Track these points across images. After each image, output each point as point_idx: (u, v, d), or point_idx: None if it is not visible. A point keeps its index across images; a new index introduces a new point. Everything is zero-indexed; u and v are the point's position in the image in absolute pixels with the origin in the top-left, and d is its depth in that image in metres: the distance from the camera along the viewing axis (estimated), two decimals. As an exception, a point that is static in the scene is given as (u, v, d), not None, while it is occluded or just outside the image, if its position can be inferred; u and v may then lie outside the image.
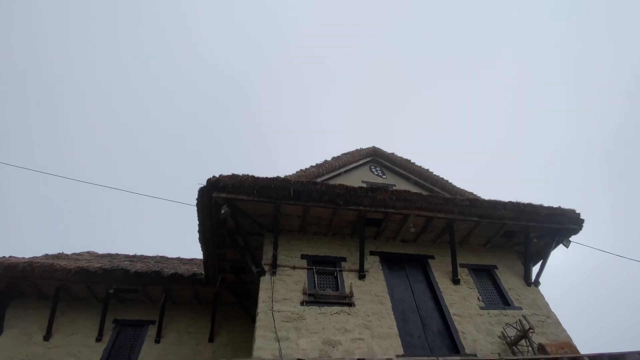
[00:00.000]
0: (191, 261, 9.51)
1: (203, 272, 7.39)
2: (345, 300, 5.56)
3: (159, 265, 7.92)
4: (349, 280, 5.99)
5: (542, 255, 7.52)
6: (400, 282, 6.48)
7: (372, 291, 5.92)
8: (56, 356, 6.72)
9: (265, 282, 5.51)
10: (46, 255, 8.44)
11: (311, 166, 7.96)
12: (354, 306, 5.55)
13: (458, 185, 8.84)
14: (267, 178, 5.75)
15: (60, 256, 8.65)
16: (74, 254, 9.44)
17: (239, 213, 5.81)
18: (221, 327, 7.73)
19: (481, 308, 6.28)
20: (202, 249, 6.49)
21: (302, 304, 5.31)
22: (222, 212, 5.50)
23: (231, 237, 6.15)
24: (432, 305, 6.19)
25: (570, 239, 7.28)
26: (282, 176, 6.24)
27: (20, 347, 6.73)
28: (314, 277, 5.84)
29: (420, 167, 9.20)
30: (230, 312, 7.99)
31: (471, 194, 8.59)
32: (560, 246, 7.37)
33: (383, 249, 6.88)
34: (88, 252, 9.95)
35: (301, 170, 7.69)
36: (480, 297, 6.50)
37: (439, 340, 5.60)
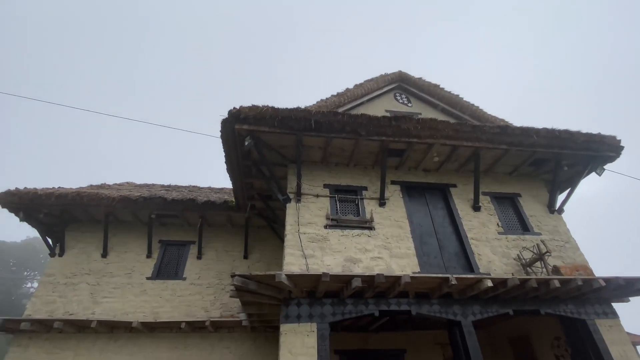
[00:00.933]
0: (221, 190, 10.14)
1: (233, 200, 7.93)
2: (366, 225, 5.89)
3: (192, 194, 8.54)
4: (370, 207, 6.24)
5: (571, 183, 7.33)
6: (420, 208, 6.67)
7: (391, 217, 6.19)
8: (114, 270, 7.87)
9: (291, 208, 5.87)
10: (91, 186, 9.28)
11: (332, 95, 7.65)
12: (374, 230, 5.90)
13: (489, 112, 8.31)
14: (287, 109, 5.65)
15: (103, 186, 9.48)
16: (115, 184, 10.29)
17: (262, 145, 5.90)
18: (254, 246, 8.60)
19: (499, 233, 6.48)
20: (230, 179, 6.84)
21: (325, 227, 5.70)
22: (246, 144, 5.61)
23: (257, 167, 6.38)
24: (450, 230, 6.44)
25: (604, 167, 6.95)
26: (303, 107, 6.09)
27: (82, 264, 7.89)
28: (336, 205, 6.13)
29: (449, 92, 8.60)
30: (261, 234, 8.78)
31: (502, 120, 8.10)
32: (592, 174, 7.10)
33: (404, 178, 6.94)
34: (127, 182, 10.81)
35: (322, 100, 7.43)
36: (499, 223, 6.65)
37: (454, 261, 5.97)
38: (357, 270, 5.17)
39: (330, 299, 4.86)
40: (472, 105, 8.36)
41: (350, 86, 8.06)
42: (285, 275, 4.22)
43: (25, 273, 43.66)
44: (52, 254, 7.92)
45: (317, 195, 6.13)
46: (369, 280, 4.52)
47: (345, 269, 5.19)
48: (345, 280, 4.52)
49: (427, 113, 8.30)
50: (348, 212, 6.15)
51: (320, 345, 4.42)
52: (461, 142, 6.27)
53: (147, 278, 7.74)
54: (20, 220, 7.79)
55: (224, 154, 6.13)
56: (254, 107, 5.53)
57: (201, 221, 8.19)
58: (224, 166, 6.48)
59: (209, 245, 8.49)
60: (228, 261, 8.38)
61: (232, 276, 4.20)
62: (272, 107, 5.60)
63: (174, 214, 8.09)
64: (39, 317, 6.61)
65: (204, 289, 7.79)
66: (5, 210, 7.61)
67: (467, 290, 5.14)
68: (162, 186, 10.45)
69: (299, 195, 5.99)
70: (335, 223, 5.79)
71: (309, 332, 4.50)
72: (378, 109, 7.97)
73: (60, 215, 7.92)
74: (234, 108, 5.48)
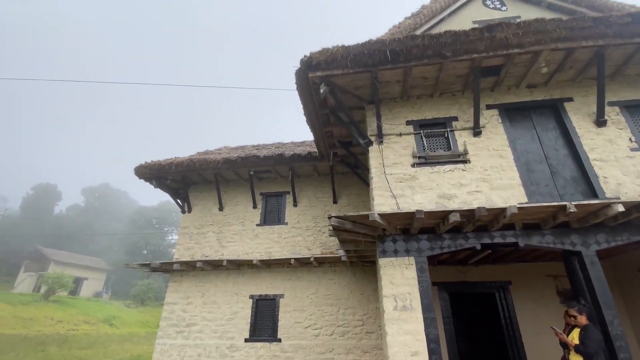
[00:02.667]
0: (303, 143, 10.62)
1: (316, 150, 8.26)
2: (459, 159, 5.48)
3: (279, 150, 9.21)
4: (462, 139, 5.71)
5: None
6: (525, 133, 5.81)
7: (489, 147, 5.58)
8: (230, 220, 9.35)
9: (373, 151, 5.81)
10: (198, 153, 10.81)
11: (406, 18, 6.79)
12: (469, 162, 5.45)
13: (619, -5, 6.26)
14: (358, 44, 5.28)
15: (207, 152, 10.94)
16: (216, 149, 11.74)
17: (337, 89, 5.79)
18: (341, 192, 9.02)
19: (632, 150, 5.26)
20: (310, 130, 7.05)
21: (413, 166, 5.52)
22: (321, 91, 5.58)
23: (334, 114, 6.38)
24: (564, 152, 5.50)
25: None
26: (375, 39, 5.60)
27: (205, 217, 9.59)
28: (423, 141, 5.79)
29: (559, -21, 6.70)
30: (346, 180, 9.10)
31: (633, 7, 6.05)
32: None
33: (503, 100, 6.02)
34: (224, 147, 12.21)
35: (394, 26, 6.69)
36: (633, 138, 5.37)
37: (571, 187, 5.19)
38: (453, 206, 4.97)
39: (426, 234, 4.88)
40: (595, -11, 6.40)
41: (426, 1, 6.98)
42: (378, 214, 4.36)
43: (166, 229, 55.64)
44: (182, 211, 9.83)
45: (400, 134, 5.87)
46: (468, 214, 4.33)
47: (439, 205, 5.05)
48: (441, 216, 4.43)
49: (529, 14, 6.73)
50: (437, 147, 5.77)
51: (420, 277, 4.60)
52: (578, 43, 4.98)
53: (257, 225, 9.03)
54: (155, 187, 9.73)
55: (302, 106, 6.26)
56: (324, 51, 5.35)
57: (291, 173, 8.87)
58: (300, 120, 6.65)
59: (301, 194, 9.25)
60: (320, 206, 9.05)
61: (329, 217, 4.54)
62: (343, 46, 5.31)
63: (267, 169, 8.93)
64: (184, 260, 8.50)
65: (303, 231, 8.71)
66: (142, 181, 9.59)
67: (590, 217, 4.49)
68: (253, 146, 11.49)
69: (380, 136, 5.84)
70: (423, 161, 5.54)
71: (407, 265, 4.70)
72: (463, 21, 6.79)
73: (182, 180, 9.60)
74: (305, 56, 5.40)
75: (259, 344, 7.60)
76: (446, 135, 5.79)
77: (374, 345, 7.19)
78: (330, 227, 4.77)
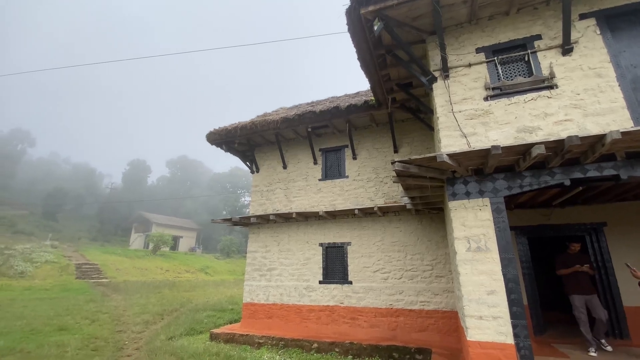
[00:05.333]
0: (358, 94, 10.22)
1: (373, 98, 7.90)
2: (544, 84, 4.71)
3: (334, 103, 9.04)
4: (547, 60, 4.85)
5: None
6: (632, 43, 4.66)
7: (583, 65, 4.65)
8: (295, 177, 9.80)
9: (438, 88, 5.32)
10: (257, 116, 11.24)
11: None
12: (556, 87, 4.66)
13: None
14: (416, -35, 4.63)
15: (266, 115, 11.29)
16: (273, 111, 12.05)
17: (392, 23, 5.27)
18: (402, 140, 8.65)
19: None
20: (366, 76, 6.69)
21: (485, 99, 4.94)
22: (375, 28, 5.15)
23: (391, 54, 5.91)
24: (696, 60, 4.32)
25: None
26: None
27: (272, 175, 10.18)
28: (497, 69, 5.08)
29: None
30: (406, 127, 8.65)
31: None
32: None
33: (602, 5, 4.83)
34: (281, 108, 12.44)
35: None
36: None
37: (702, 103, 4.13)
38: (536, 139, 4.40)
39: (503, 173, 4.48)
40: None
41: None
42: (447, 154, 4.09)
43: (238, 191, 61.24)
44: (251, 172, 10.59)
45: (470, 65, 5.21)
46: (555, 146, 3.81)
47: (519, 140, 4.52)
48: (521, 150, 3.98)
49: None
50: (515, 74, 5.02)
51: (496, 218, 4.33)
52: None
53: (319, 180, 9.33)
54: (225, 151, 10.55)
55: (355, 50, 5.92)
56: (376, -19, 4.83)
57: (348, 125, 8.73)
58: (351, 70, 6.31)
59: (360, 146, 9.14)
60: (380, 157, 8.87)
61: (392, 163, 4.43)
62: (397, -28, 4.73)
63: (324, 124, 8.93)
64: (259, 214, 9.33)
65: (364, 183, 8.74)
66: (213, 151, 10.44)
67: None
68: (307, 104, 11.48)
69: (445, 70, 5.27)
70: (498, 92, 4.91)
71: (481, 207, 4.44)
72: None
73: (247, 142, 10.22)
74: (356, -9, 4.96)
75: (332, 286, 8.27)
76: (527, 58, 4.97)
77: (444, 289, 7.25)
78: (394, 174, 4.68)
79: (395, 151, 8.70)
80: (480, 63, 5.15)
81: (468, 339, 4.03)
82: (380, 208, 7.74)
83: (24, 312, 10.76)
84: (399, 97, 7.59)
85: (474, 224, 4.41)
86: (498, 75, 5.05)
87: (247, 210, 54.14)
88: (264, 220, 9.45)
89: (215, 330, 8.63)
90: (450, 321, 7.02)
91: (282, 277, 8.96)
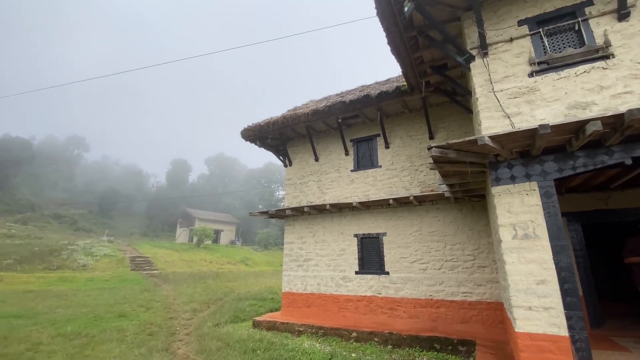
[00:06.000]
0: (388, 81, 9.93)
1: (405, 83, 7.64)
2: (598, 55, 4.26)
3: (364, 92, 8.86)
4: (601, 27, 4.37)
5: None
6: None
7: (647, 29, 4.13)
8: (326, 168, 9.82)
9: (476, 67, 5.01)
10: (288, 110, 11.37)
11: None
12: (613, 57, 4.19)
13: None
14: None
15: (296, 108, 11.38)
16: (303, 104, 12.12)
17: (424, 2, 5.04)
18: (437, 126, 8.31)
19: None
20: (397, 61, 6.47)
21: (530, 75, 4.57)
22: (406, 9, 4.96)
23: (423, 35, 5.65)
24: None
25: None
26: None
27: (305, 168, 10.29)
28: (543, 42, 4.67)
29: None
30: (442, 111, 8.28)
31: None
32: None
33: (671, -44, 4.24)
34: (310, 101, 12.46)
35: None
36: None
37: None
38: (590, 115, 4.01)
39: (552, 155, 4.14)
40: None
41: None
42: (489, 137, 3.87)
43: (273, 186, 62.85)
44: (284, 165, 10.79)
45: (511, 39, 4.84)
46: (614, 121, 3.45)
47: (570, 117, 4.14)
48: (573, 128, 3.65)
49: None
50: (564, 45, 4.59)
51: (546, 203, 4.04)
52: None
53: (351, 170, 9.27)
54: (259, 146, 10.83)
55: (385, 34, 5.73)
56: (405, -40, 4.63)
57: (379, 114, 8.55)
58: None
59: (392, 134, 8.92)
60: (414, 145, 8.60)
61: (429, 148, 4.28)
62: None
63: (354, 114, 8.82)
64: (293, 206, 9.51)
65: (398, 172, 8.54)
66: (247, 148, 10.75)
67: None
68: (337, 94, 11.37)
69: (484, 48, 4.95)
70: (545, 66, 4.52)
71: (528, 191, 4.16)
72: None
73: (280, 137, 10.40)
74: (384, -27, 4.79)
75: (368, 276, 8.26)
76: (577, 27, 4.51)
77: (488, 279, 6.93)
78: (430, 161, 4.52)
79: (431, 137, 8.38)
80: (523, 36, 4.77)
81: (516, 330, 3.84)
82: (416, 197, 7.54)
83: (87, 300, 12.00)
84: (433, 81, 7.27)
85: (520, 210, 4.15)
86: (544, 49, 4.65)
87: (282, 203, 55.48)
88: (298, 213, 9.63)
89: (258, 318, 9.02)
90: (495, 312, 6.71)
91: (318, 267, 9.11)
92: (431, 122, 8.28)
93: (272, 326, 8.51)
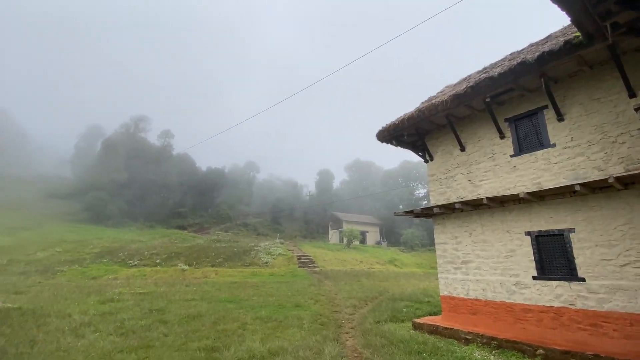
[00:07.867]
0: (548, 37, 7.93)
1: (577, 34, 5.91)
2: None
3: (516, 59, 7.37)
4: None
5: None
6: None
7: None
8: (476, 158, 8.66)
9: None
10: (422, 102, 10.79)
11: None
12: None
13: None
14: None
15: (431, 98, 10.67)
16: (438, 93, 11.24)
17: None
18: (638, 78, 5.97)
19: None
20: (561, 8, 5.08)
21: None
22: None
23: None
24: None
25: None
26: None
27: (449, 160, 9.41)
28: None
29: None
30: (649, 56, 5.91)
31: None
32: None
33: None
34: (446, 87, 11.42)
35: None
36: None
37: None
38: None
39: None
40: None
41: None
42: None
43: (411, 184, 60.94)
44: (425, 161, 10.24)
45: None
46: None
47: None
48: None
49: None
50: None
51: None
52: None
53: (511, 156, 7.82)
54: (395, 146, 10.72)
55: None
56: None
57: (543, 80, 6.88)
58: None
59: (567, 102, 7.01)
60: (604, 110, 6.47)
61: (636, 109, 3.12)
62: None
63: (506, 88, 7.45)
64: (441, 204, 8.84)
65: (584, 149, 6.60)
66: (381, 149, 10.85)
67: None
68: (477, 72, 9.96)
69: None
70: None
71: None
72: None
73: (416, 132, 9.98)
74: None
75: (553, 283, 6.66)
76: None
77: None
78: (638, 126, 3.27)
79: (631, 95, 6.10)
80: None
81: None
82: (618, 179, 5.60)
83: (272, 291, 14.83)
84: (623, 20, 5.28)
85: None
86: None
87: (424, 202, 52.67)
88: (448, 210, 8.87)
89: (418, 320, 8.80)
90: None
91: (481, 270, 8.07)
92: (628, 74, 6.03)
93: (433, 330, 8.11)
